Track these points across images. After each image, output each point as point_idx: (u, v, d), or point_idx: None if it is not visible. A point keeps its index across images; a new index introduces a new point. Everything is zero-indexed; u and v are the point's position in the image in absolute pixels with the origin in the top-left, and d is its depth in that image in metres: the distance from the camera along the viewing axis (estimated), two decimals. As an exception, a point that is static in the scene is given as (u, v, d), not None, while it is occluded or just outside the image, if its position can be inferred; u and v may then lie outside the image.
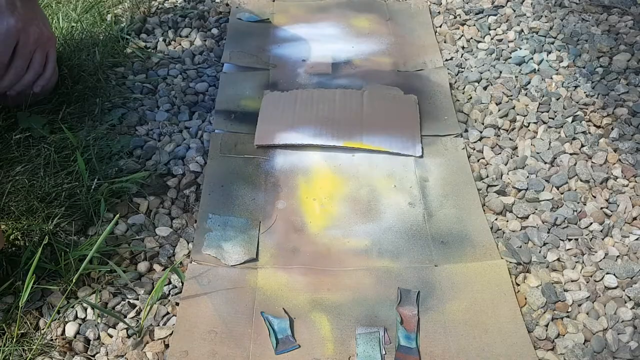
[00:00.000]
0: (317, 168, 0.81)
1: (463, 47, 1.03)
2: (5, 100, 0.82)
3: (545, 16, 1.09)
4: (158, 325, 0.64)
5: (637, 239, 0.73)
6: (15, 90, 0.81)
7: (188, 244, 0.72)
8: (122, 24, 1.06)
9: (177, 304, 0.65)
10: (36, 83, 0.82)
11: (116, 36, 1.02)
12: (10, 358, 0.59)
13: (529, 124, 0.88)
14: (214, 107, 0.90)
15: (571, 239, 0.73)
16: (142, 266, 0.69)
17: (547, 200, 0.77)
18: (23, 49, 0.79)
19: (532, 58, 1.00)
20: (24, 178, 0.75)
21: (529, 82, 0.95)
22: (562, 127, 0.87)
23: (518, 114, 0.89)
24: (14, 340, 0.61)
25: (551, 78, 0.96)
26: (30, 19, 0.79)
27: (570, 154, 0.83)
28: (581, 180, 0.80)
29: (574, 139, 0.85)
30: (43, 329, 0.63)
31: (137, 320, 0.64)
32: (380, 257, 0.71)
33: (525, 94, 0.93)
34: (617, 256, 0.71)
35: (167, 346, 0.62)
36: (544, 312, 0.66)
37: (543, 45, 1.02)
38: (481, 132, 0.87)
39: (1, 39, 0.76)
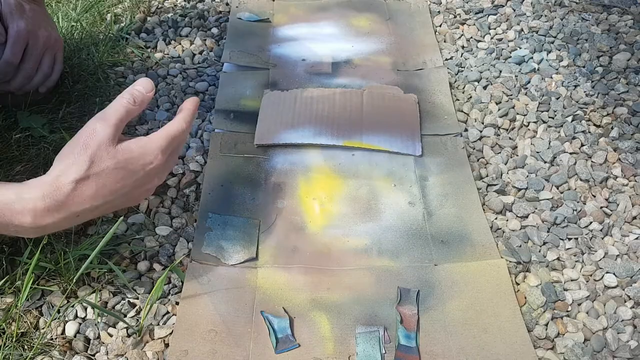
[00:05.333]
0: (317, 167, 0.81)
1: (463, 47, 1.03)
2: (5, 99, 0.83)
3: (545, 15, 1.09)
4: (158, 324, 0.64)
5: (636, 238, 0.73)
6: (23, 90, 0.82)
7: (188, 243, 0.72)
8: (122, 23, 1.06)
9: (177, 303, 0.65)
10: (43, 84, 0.83)
11: (116, 36, 1.02)
12: (10, 357, 0.60)
13: (528, 123, 0.88)
14: (214, 106, 0.90)
15: (571, 238, 0.73)
16: (142, 265, 0.69)
17: (547, 199, 0.77)
18: (32, 51, 0.80)
19: (532, 57, 1.00)
20: (24, 177, 0.75)
21: (528, 82, 0.95)
22: (561, 126, 0.87)
23: (518, 114, 0.89)
24: (14, 339, 0.61)
25: (551, 77, 0.96)
26: (39, 23, 0.81)
27: (570, 153, 0.83)
28: (581, 180, 0.80)
29: (573, 138, 0.85)
30: (43, 329, 0.63)
31: (137, 320, 0.64)
32: (380, 256, 0.71)
33: (525, 94, 0.93)
34: (617, 255, 0.71)
35: (167, 345, 0.62)
36: (544, 311, 0.66)
37: (543, 45, 1.02)
38: (481, 132, 0.87)
39: (12, 41, 0.77)
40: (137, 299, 0.66)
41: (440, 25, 1.08)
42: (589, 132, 0.86)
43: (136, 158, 0.55)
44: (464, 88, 0.95)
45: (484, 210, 0.76)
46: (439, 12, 1.11)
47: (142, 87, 0.58)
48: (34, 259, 0.61)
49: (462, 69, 0.99)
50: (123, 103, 0.56)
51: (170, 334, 0.63)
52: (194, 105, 0.62)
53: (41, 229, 0.52)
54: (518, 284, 0.69)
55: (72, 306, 0.65)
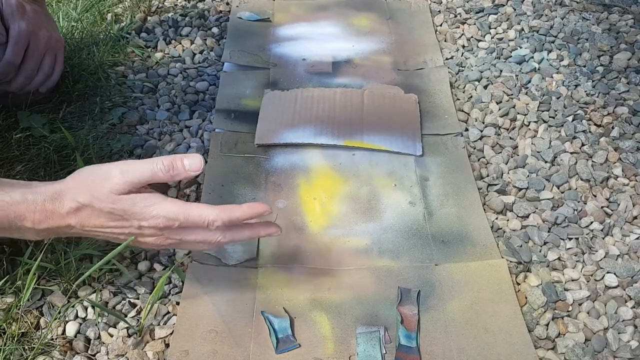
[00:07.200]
0: (318, 167, 0.81)
1: (463, 46, 1.03)
2: (6, 99, 0.83)
3: (546, 15, 1.09)
4: (158, 324, 0.64)
5: (637, 238, 0.73)
6: (24, 91, 0.82)
7: (188, 243, 0.72)
8: (123, 23, 1.06)
9: (178, 303, 0.65)
10: (44, 84, 0.84)
11: (116, 35, 1.02)
12: (11, 357, 0.60)
13: (529, 122, 0.88)
14: (214, 106, 0.90)
15: (572, 238, 0.73)
16: (143, 265, 0.69)
17: (548, 199, 0.77)
18: (34, 52, 0.80)
19: (532, 57, 1.00)
20: (25, 177, 0.75)
21: (529, 81, 0.95)
22: (562, 126, 0.87)
23: (518, 113, 0.89)
24: (15, 339, 0.61)
25: (552, 77, 0.96)
26: (40, 23, 0.81)
27: (571, 153, 0.83)
28: (582, 179, 0.80)
29: (574, 138, 0.85)
30: (44, 329, 0.63)
31: (138, 320, 0.64)
32: (380, 256, 0.71)
33: (526, 93, 0.93)
34: (618, 255, 0.71)
35: (167, 345, 0.62)
36: (545, 312, 0.66)
37: (543, 44, 1.02)
38: (481, 131, 0.87)
39: (13, 41, 0.78)
40: (138, 299, 0.66)
41: (440, 25, 1.08)
42: (590, 131, 0.86)
43: (135, 213, 0.53)
44: (464, 88, 0.95)
45: (484, 210, 0.76)
46: (439, 11, 1.11)
47: (188, 163, 0.54)
48: (37, 260, 0.61)
49: (463, 68, 0.99)
50: (154, 168, 0.53)
51: (171, 334, 0.63)
52: (246, 212, 0.55)
53: (39, 232, 0.55)
54: (519, 284, 0.69)
55: (73, 306, 0.65)
